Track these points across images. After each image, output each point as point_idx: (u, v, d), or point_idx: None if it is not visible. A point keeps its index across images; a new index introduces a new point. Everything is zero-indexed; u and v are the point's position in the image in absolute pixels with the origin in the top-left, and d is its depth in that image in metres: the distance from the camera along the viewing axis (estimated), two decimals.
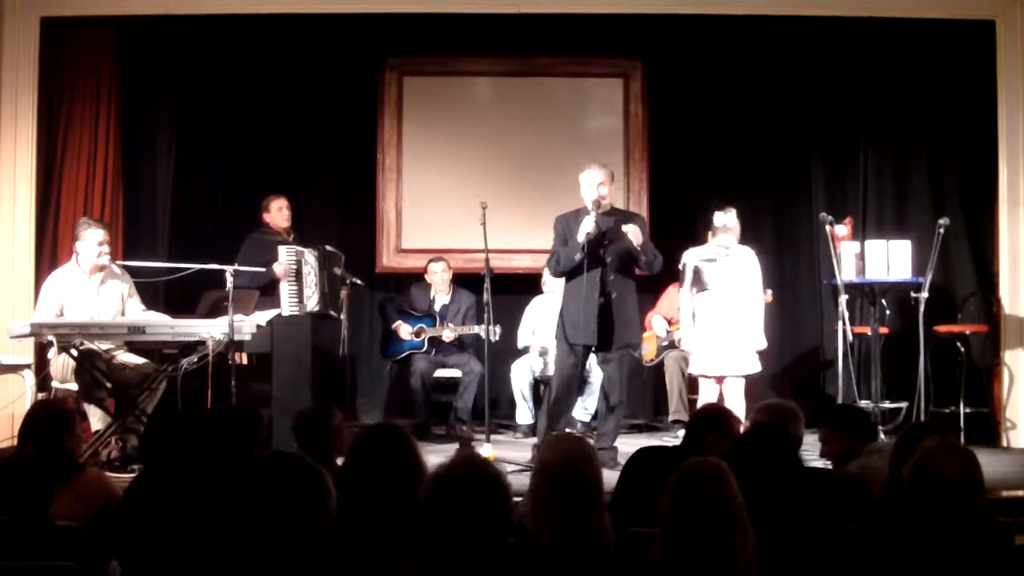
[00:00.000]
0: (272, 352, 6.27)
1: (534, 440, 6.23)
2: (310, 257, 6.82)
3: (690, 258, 6.38)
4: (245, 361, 6.39)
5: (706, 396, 6.21)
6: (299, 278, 6.76)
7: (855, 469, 4.00)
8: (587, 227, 5.77)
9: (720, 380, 6.23)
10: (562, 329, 5.89)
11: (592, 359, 6.26)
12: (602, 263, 5.83)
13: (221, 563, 2.18)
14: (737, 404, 6.05)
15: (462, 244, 7.60)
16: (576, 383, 6.10)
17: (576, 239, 5.80)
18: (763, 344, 6.32)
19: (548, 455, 2.99)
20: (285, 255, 6.77)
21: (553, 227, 6.07)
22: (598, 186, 5.86)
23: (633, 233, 5.75)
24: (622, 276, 5.90)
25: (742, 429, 5.32)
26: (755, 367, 6.27)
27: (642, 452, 3.98)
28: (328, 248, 7.00)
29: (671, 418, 7.20)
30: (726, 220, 6.25)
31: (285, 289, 6.74)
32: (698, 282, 6.29)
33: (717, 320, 6.21)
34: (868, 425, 4.41)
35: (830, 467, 4.19)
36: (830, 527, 2.92)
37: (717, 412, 4.17)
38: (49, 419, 3.80)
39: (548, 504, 2.83)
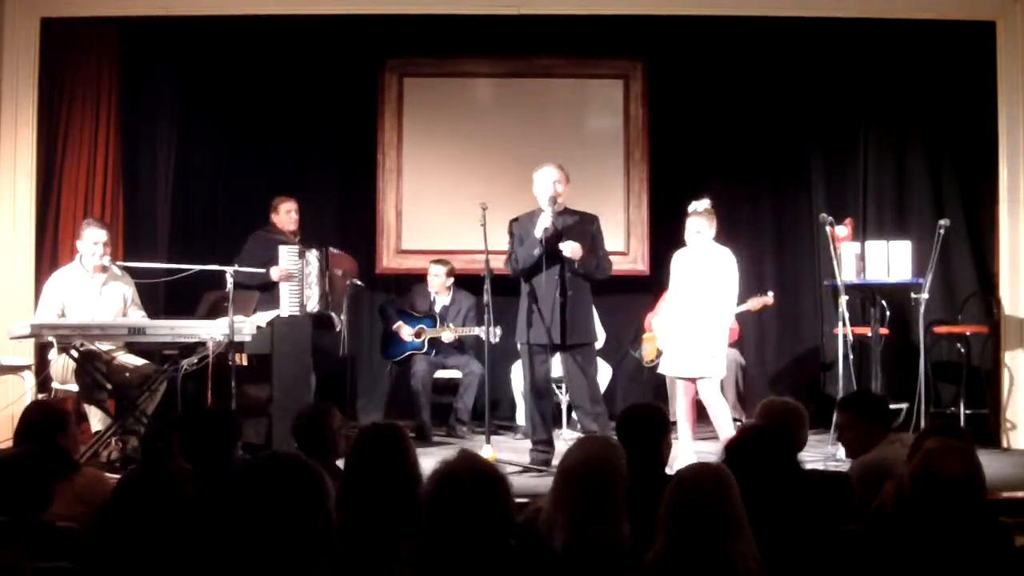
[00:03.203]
0: (272, 353, 6.27)
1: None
2: (311, 257, 6.82)
3: (674, 260, 6.29)
4: (245, 362, 6.39)
5: (680, 395, 6.10)
6: (300, 278, 6.76)
7: (873, 459, 3.97)
8: (544, 223, 5.80)
9: (691, 380, 6.01)
10: (525, 331, 5.86)
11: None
12: (560, 261, 5.82)
13: (220, 564, 2.18)
14: (710, 405, 5.95)
15: (462, 245, 7.59)
16: (548, 383, 6.08)
17: (533, 236, 5.81)
18: (715, 350, 5.94)
19: (570, 456, 2.96)
20: (286, 255, 6.77)
21: (508, 230, 6.09)
22: (554, 183, 5.88)
23: (571, 251, 5.77)
24: (578, 276, 5.90)
25: (722, 432, 5.28)
26: (701, 371, 5.91)
27: None
28: (333, 250, 7.00)
29: (671, 419, 7.13)
30: (695, 205, 6.14)
31: (285, 289, 6.75)
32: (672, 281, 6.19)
33: (675, 319, 6.10)
34: (889, 417, 4.39)
35: (820, 467, 4.17)
36: (827, 529, 2.90)
37: (656, 410, 3.99)
38: (44, 419, 3.81)
39: (565, 505, 2.81)
